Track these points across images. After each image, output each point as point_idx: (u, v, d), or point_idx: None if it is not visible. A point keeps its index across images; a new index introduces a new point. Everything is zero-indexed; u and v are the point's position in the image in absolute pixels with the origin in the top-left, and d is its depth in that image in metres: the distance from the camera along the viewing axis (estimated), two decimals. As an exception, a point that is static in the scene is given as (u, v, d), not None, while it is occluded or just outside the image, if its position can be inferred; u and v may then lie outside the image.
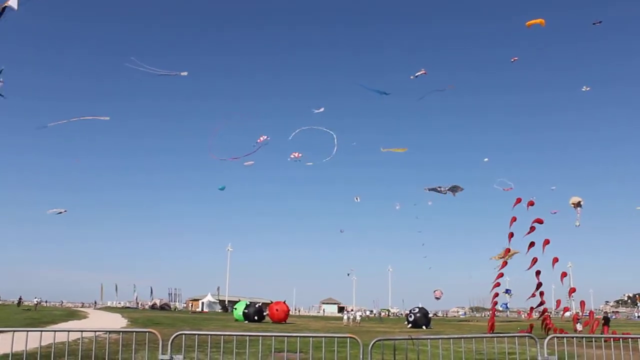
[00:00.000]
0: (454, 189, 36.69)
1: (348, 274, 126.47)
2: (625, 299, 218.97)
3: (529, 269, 34.12)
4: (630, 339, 14.27)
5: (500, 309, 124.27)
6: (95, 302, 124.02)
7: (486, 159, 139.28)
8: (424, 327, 49.57)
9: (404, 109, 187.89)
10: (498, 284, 36.19)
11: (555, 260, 33.52)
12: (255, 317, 53.47)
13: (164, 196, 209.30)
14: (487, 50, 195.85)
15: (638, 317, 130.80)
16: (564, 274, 33.90)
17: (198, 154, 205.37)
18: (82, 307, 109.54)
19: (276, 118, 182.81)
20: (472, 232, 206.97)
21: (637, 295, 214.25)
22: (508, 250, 36.52)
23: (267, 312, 56.92)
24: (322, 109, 35.65)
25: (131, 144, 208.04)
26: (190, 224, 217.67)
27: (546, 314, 34.86)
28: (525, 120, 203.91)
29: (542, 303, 35.01)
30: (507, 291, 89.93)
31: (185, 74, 30.20)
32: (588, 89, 44.85)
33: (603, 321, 36.87)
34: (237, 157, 30.37)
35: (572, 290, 35.69)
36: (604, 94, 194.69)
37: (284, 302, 58.98)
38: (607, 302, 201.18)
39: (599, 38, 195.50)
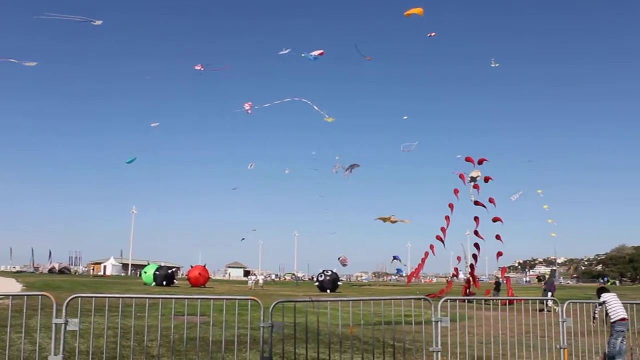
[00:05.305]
0: (352, 167, 37.51)
1: (243, 239, 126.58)
2: (516, 265, 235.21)
3: (476, 229, 35.89)
4: (516, 301, 15.34)
5: (394, 274, 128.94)
6: None
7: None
8: (328, 290, 50.96)
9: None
10: (500, 253, 36.64)
11: (497, 219, 34.82)
12: (164, 282, 52.49)
13: (65, 157, 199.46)
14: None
15: (525, 282, 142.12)
16: (498, 236, 35.22)
17: (108, 117, 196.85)
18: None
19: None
20: (375, 197, 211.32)
21: (527, 262, 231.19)
22: (392, 217, 38.05)
23: (186, 275, 55.81)
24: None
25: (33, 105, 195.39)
26: (94, 187, 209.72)
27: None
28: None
29: (471, 266, 38.77)
30: (396, 257, 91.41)
31: (99, 22, 27.31)
32: (497, 64, 45.25)
33: (494, 286, 39.69)
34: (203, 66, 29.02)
35: (500, 253, 36.24)
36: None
37: (204, 266, 58.21)
38: (500, 268, 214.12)
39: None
